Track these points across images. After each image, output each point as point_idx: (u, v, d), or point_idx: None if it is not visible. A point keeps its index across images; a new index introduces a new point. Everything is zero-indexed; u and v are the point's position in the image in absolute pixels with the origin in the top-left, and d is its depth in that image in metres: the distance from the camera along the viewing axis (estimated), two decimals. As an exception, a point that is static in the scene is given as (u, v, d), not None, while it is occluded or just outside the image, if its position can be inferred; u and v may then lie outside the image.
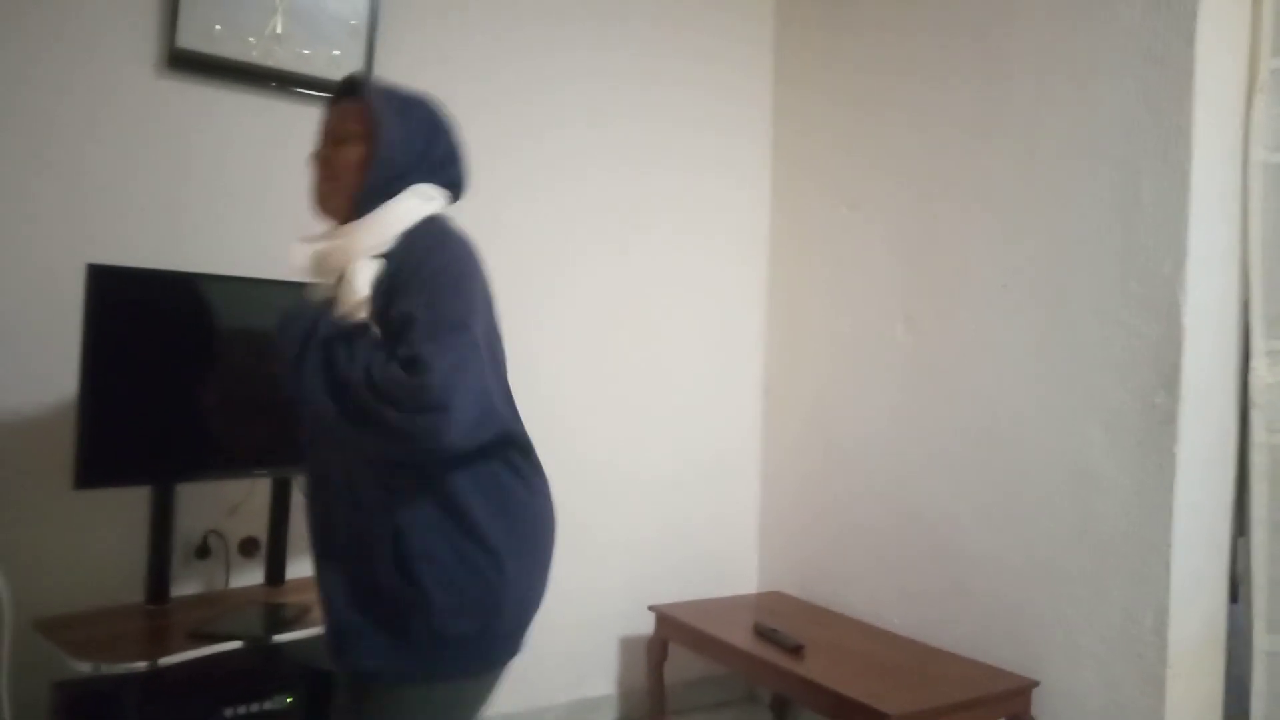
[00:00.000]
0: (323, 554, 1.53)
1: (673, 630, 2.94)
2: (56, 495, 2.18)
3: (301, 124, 2.56)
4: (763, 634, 2.71)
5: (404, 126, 1.51)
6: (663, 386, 3.27)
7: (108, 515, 2.28)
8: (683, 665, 3.12)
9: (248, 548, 2.46)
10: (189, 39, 2.37)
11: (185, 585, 2.36)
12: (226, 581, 2.43)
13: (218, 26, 2.41)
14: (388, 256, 1.45)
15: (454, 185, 1.61)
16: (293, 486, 2.42)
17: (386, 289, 1.41)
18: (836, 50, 3.26)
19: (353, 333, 1.39)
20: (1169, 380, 2.24)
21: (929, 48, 2.90)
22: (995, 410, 2.65)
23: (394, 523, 1.41)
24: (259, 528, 2.44)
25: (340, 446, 1.48)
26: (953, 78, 2.82)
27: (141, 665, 1.83)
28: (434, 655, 1.41)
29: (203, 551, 2.41)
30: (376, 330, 1.39)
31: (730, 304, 3.44)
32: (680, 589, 3.22)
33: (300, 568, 2.50)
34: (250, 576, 2.46)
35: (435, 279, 1.39)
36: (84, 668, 1.82)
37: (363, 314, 1.41)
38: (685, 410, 3.32)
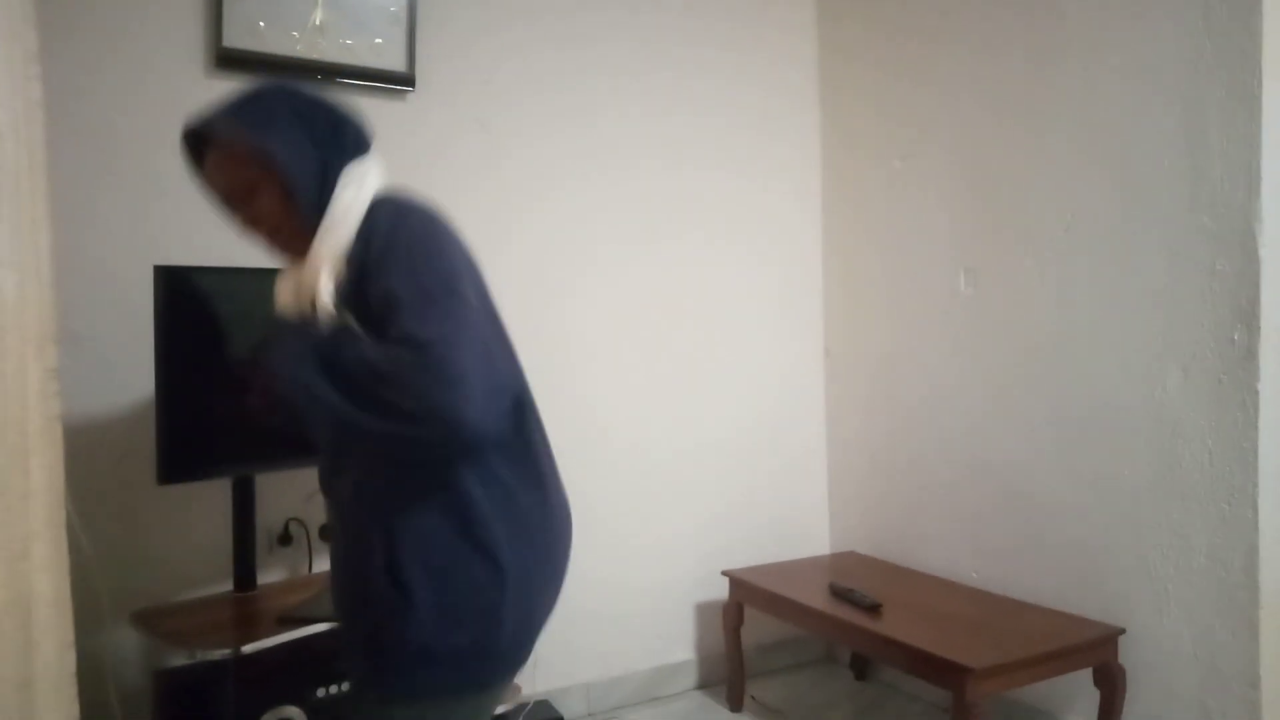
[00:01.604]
0: (332, 561, 1.46)
1: (747, 594, 2.94)
2: (143, 492, 2.26)
3: (350, 114, 2.59)
4: (839, 594, 2.70)
5: (281, 132, 1.34)
6: (725, 355, 3.25)
7: (193, 509, 2.36)
8: (759, 628, 3.14)
9: (327, 533, 2.52)
10: (235, 38, 2.41)
11: (270, 572, 2.43)
12: (310, 566, 2.50)
13: (261, 23, 2.44)
14: (353, 252, 1.33)
15: (362, 144, 1.43)
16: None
17: (356, 279, 1.31)
18: (881, -2, 3.19)
19: (339, 336, 1.29)
20: (1247, 315, 2.16)
21: (977, -12, 2.81)
22: (1064, 359, 2.58)
23: (390, 531, 1.31)
24: (336, 513, 2.49)
25: (347, 454, 1.39)
26: (1005, 17, 2.73)
27: (235, 651, 1.89)
28: (422, 670, 1.30)
29: (285, 539, 2.48)
30: (355, 325, 1.30)
31: (787, 268, 3.40)
32: (753, 553, 3.23)
33: (378, 550, 2.56)
34: (331, 561, 2.52)
35: (409, 251, 1.29)
36: (181, 656, 1.88)
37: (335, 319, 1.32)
38: (748, 378, 3.31)
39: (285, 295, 1.39)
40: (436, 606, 1.29)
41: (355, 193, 1.36)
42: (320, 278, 1.31)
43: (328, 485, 1.45)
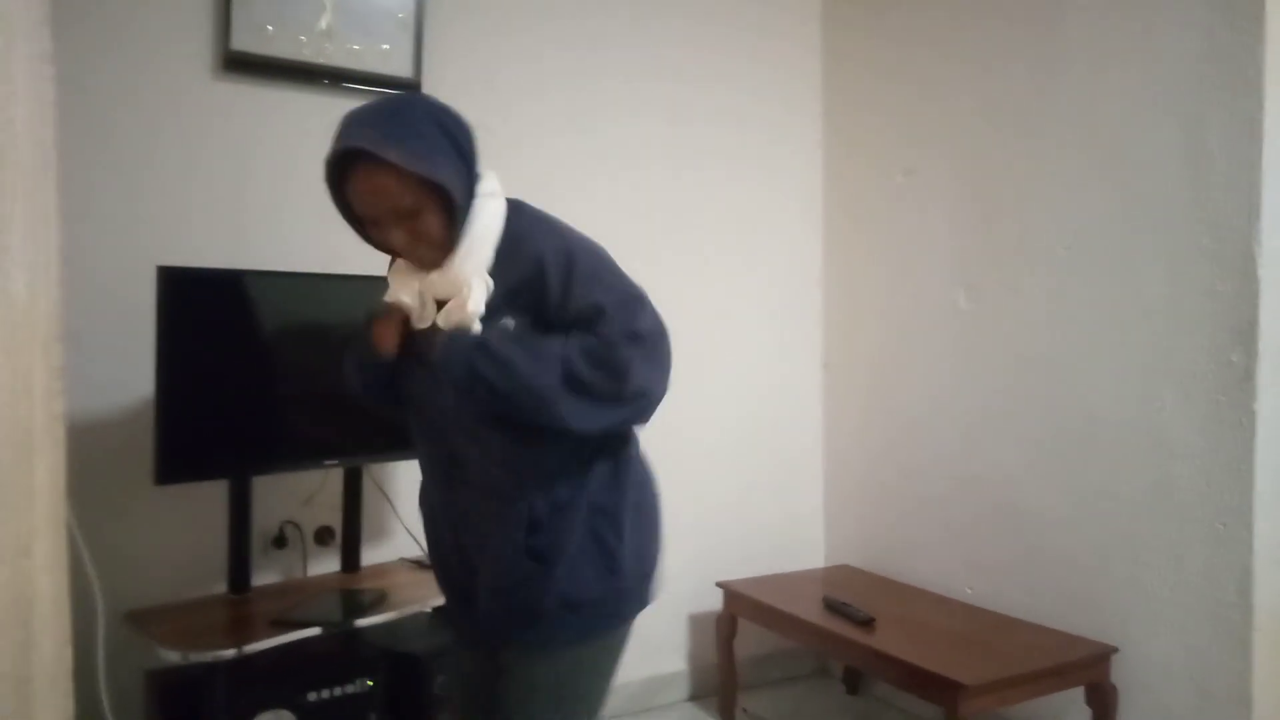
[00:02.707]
0: (452, 537, 1.62)
1: (741, 606, 2.94)
2: (140, 492, 2.25)
3: (355, 119, 2.60)
4: (833, 607, 2.70)
5: (442, 154, 1.41)
6: (722, 366, 3.26)
7: (189, 509, 2.36)
8: (752, 641, 3.13)
9: (323, 537, 2.53)
10: (242, 41, 2.42)
11: (265, 575, 2.43)
12: (304, 570, 2.50)
13: (269, 27, 2.45)
14: (500, 275, 1.47)
15: (477, 155, 1.53)
16: (364, 476, 2.47)
17: (532, 307, 1.45)
18: (888, 10, 3.20)
19: (514, 335, 1.45)
20: (1245, 337, 2.17)
21: (984, 3, 2.83)
22: (1062, 376, 2.59)
23: (527, 507, 1.49)
24: (333, 517, 2.50)
25: (484, 444, 1.52)
26: (1009, 33, 2.75)
27: (228, 653, 1.89)
28: (560, 624, 1.50)
29: (280, 542, 2.47)
30: (514, 325, 1.46)
31: (786, 279, 3.41)
32: (747, 565, 3.22)
33: (374, 555, 2.56)
34: (326, 565, 2.52)
35: (589, 265, 1.46)
36: (174, 657, 1.88)
37: (476, 325, 1.45)
38: (745, 388, 3.31)
39: (406, 296, 1.51)
40: (570, 573, 1.48)
41: (490, 208, 1.49)
42: (471, 289, 1.43)
43: (449, 468, 1.59)
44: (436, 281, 1.47)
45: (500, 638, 1.56)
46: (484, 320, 1.45)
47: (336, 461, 2.40)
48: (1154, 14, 2.35)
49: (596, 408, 1.43)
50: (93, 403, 2.28)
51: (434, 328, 1.50)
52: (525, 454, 1.50)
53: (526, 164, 2.87)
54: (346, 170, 1.41)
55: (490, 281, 1.45)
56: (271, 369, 2.28)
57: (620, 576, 1.54)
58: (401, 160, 1.36)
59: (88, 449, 2.23)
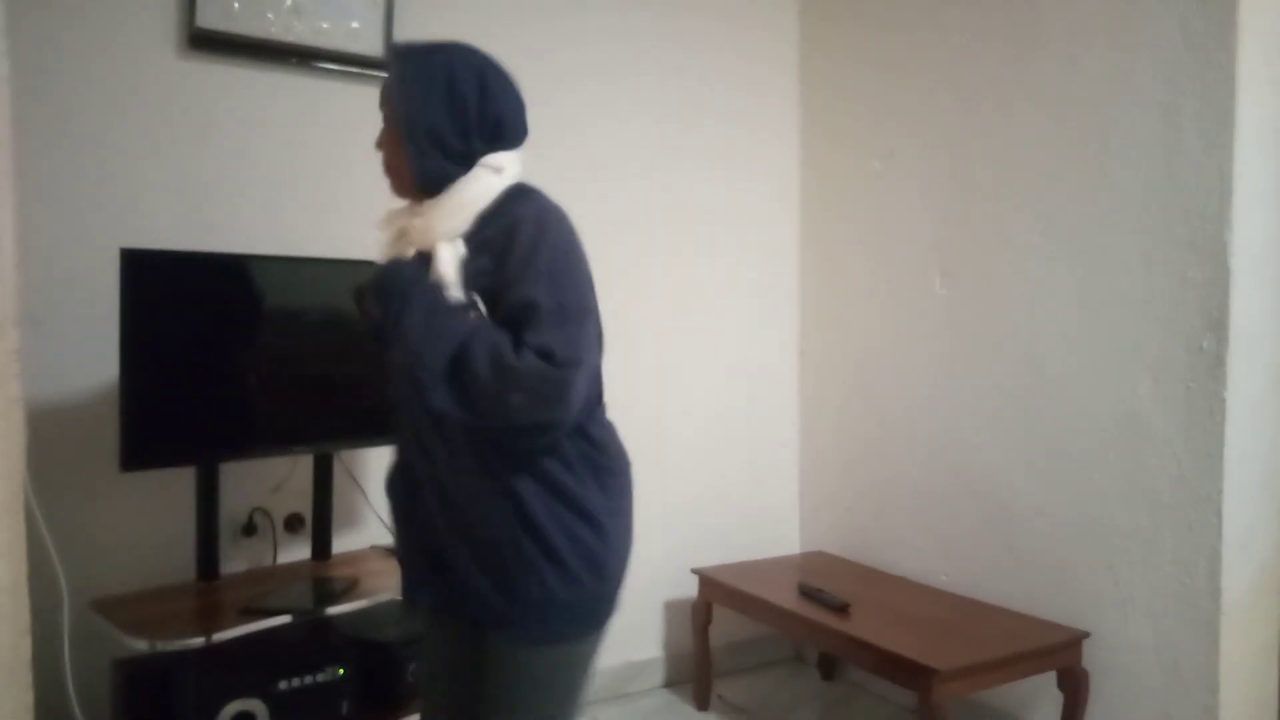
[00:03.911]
0: (424, 515, 1.56)
1: (717, 593, 2.94)
2: (106, 478, 2.22)
3: (324, 100, 2.56)
4: (808, 594, 2.71)
5: (421, 86, 1.45)
6: (697, 352, 3.25)
7: (156, 496, 2.32)
8: (728, 627, 3.13)
9: (293, 524, 2.49)
10: (208, 18, 2.36)
11: (234, 563, 2.39)
12: (274, 558, 2.47)
13: (236, 4, 2.40)
14: (474, 236, 1.44)
15: (515, 137, 1.54)
16: (334, 462, 2.44)
17: (489, 270, 1.40)
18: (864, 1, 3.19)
19: (457, 308, 1.39)
20: (1217, 324, 2.18)
21: (959, -8, 2.83)
22: (1038, 362, 2.60)
23: (504, 491, 1.43)
24: (303, 504, 2.46)
25: (428, 415, 1.46)
26: (986, 18, 2.74)
27: (196, 641, 1.86)
28: (545, 618, 1.45)
29: (249, 529, 2.44)
30: (483, 308, 1.40)
31: (763, 266, 3.40)
32: (723, 552, 3.22)
33: (345, 542, 2.54)
34: (297, 552, 2.49)
35: (551, 263, 1.39)
36: (141, 645, 1.85)
37: (454, 295, 1.40)
38: (721, 375, 3.30)
39: (389, 233, 1.52)
40: (553, 563, 1.43)
41: (487, 181, 1.46)
42: (439, 248, 1.41)
43: (416, 445, 1.54)
44: (415, 228, 1.47)
45: (469, 616, 1.52)
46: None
47: (306, 447, 2.37)
48: (1129, 2, 2.35)
49: (477, 400, 1.34)
50: (57, 388, 2.23)
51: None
52: (481, 439, 1.44)
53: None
54: None
55: (463, 250, 1.42)
56: (239, 353, 2.24)
57: (599, 579, 1.49)
58: (392, 78, 1.47)
59: (52, 435, 2.19)
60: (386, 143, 1.51)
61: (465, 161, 1.46)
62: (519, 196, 1.48)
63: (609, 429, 1.59)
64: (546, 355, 1.33)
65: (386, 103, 1.50)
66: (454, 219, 1.44)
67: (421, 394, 1.36)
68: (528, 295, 1.36)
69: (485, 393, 1.33)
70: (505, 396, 1.32)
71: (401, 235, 1.50)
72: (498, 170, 1.48)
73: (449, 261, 1.41)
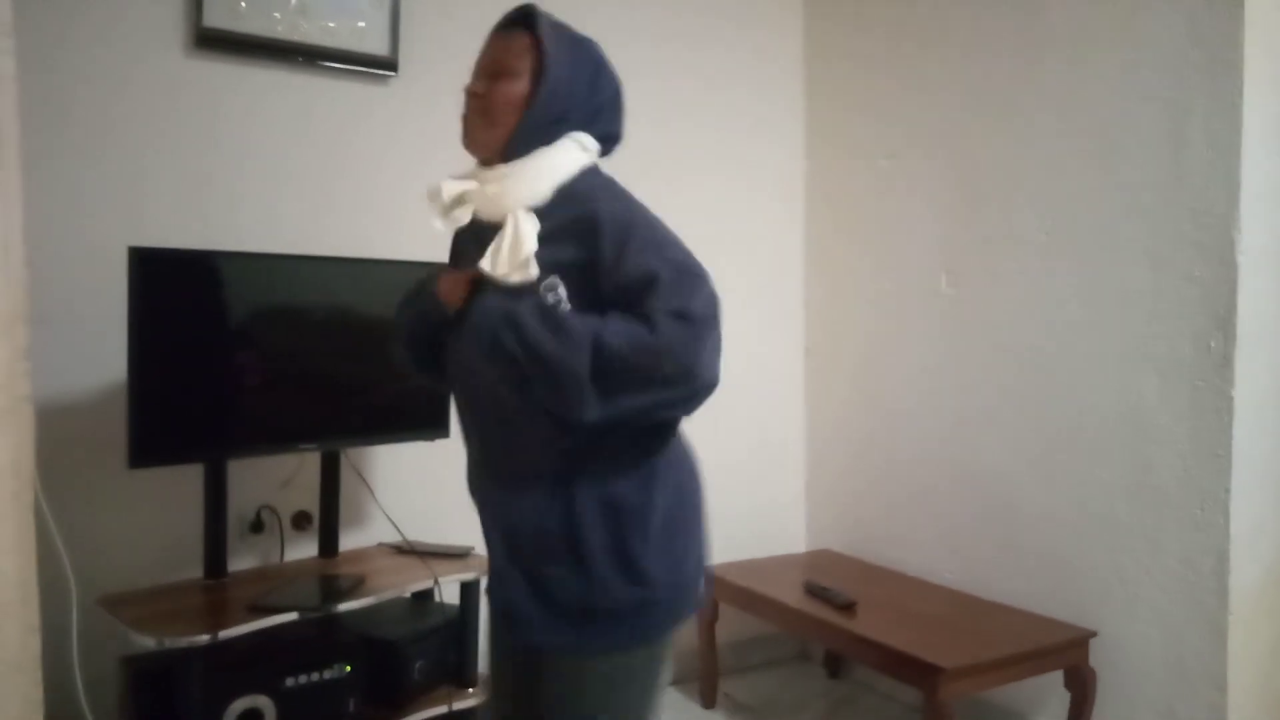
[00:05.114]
0: (493, 530, 1.51)
1: (722, 590, 2.94)
2: (114, 475, 2.23)
3: (330, 98, 2.56)
4: (814, 592, 2.71)
5: (572, 65, 1.44)
6: (703, 348, 3.24)
7: (164, 494, 2.33)
8: (734, 625, 3.13)
9: (300, 521, 2.50)
10: (214, 17, 2.37)
11: (241, 560, 2.40)
12: (281, 555, 2.47)
13: (243, 3, 2.40)
14: (549, 214, 1.40)
15: (610, 137, 1.53)
16: (341, 460, 2.45)
17: (581, 262, 1.36)
18: (869, -3, 3.19)
19: (565, 314, 1.35)
20: (1224, 322, 2.18)
21: (965, -11, 2.82)
22: (1044, 361, 2.60)
23: (565, 502, 1.39)
24: (310, 501, 2.47)
25: (513, 426, 1.43)
26: (991, 18, 2.74)
27: (203, 638, 1.87)
28: (598, 629, 1.40)
29: (257, 526, 2.45)
30: (563, 291, 1.36)
31: (768, 264, 3.40)
32: (728, 550, 3.21)
33: (352, 540, 2.54)
34: (304, 550, 2.50)
35: (651, 230, 1.41)
36: (148, 642, 1.86)
37: (532, 270, 1.35)
38: (728, 374, 3.27)
39: (445, 200, 1.45)
40: (609, 574, 1.38)
41: (574, 154, 1.44)
42: (518, 214, 1.37)
43: (489, 456, 1.51)
44: (484, 191, 1.43)
45: (522, 635, 1.47)
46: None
47: (313, 445, 2.38)
48: (1136, 1, 2.34)
49: (626, 391, 1.30)
50: (66, 385, 2.24)
51: (477, 277, 1.41)
52: (551, 441, 1.40)
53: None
54: (500, 31, 1.49)
55: (537, 222, 1.38)
56: (246, 351, 2.25)
57: (647, 586, 1.42)
58: (545, 36, 1.42)
59: (61, 432, 2.20)
60: (497, 95, 1.43)
61: (559, 131, 1.44)
62: (593, 173, 1.48)
63: (672, 435, 1.53)
64: (682, 316, 1.30)
65: (527, 59, 1.43)
66: (532, 186, 1.41)
67: (571, 410, 1.31)
68: (643, 268, 1.33)
69: (635, 380, 1.29)
70: (657, 374, 1.29)
71: (460, 202, 1.45)
72: (584, 148, 1.46)
73: (529, 232, 1.36)
